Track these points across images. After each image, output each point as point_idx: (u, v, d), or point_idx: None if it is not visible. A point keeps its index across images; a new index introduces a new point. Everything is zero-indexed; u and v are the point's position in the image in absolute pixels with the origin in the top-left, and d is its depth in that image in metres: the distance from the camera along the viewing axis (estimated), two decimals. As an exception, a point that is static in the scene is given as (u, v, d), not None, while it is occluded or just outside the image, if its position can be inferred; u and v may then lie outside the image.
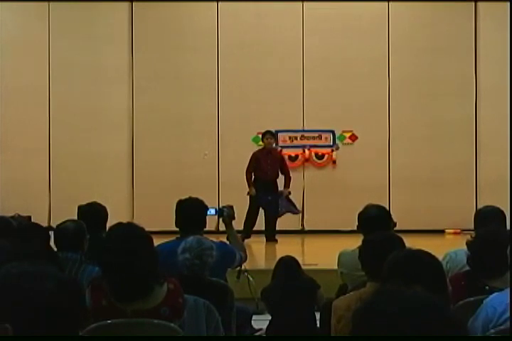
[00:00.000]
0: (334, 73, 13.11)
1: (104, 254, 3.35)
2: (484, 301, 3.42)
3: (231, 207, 5.89)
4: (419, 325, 1.67)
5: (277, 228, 12.77)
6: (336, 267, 5.48)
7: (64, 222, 5.30)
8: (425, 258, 3.19)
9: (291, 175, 11.73)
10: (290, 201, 11.55)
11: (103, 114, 13.00)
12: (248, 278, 6.79)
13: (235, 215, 5.90)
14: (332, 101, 13.05)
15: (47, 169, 13.11)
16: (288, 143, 13.25)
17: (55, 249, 5.06)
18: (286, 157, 12.37)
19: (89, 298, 3.30)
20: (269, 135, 11.69)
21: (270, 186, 11.42)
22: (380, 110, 13.15)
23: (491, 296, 3.43)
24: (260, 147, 12.26)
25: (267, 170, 11.44)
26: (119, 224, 3.54)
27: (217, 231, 6.80)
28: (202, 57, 13.12)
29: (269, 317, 6.14)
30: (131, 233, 3.36)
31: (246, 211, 11.33)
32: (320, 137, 13.25)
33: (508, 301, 3.25)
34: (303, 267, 6.38)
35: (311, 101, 13.14)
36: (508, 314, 3.24)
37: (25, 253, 3.61)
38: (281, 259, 6.28)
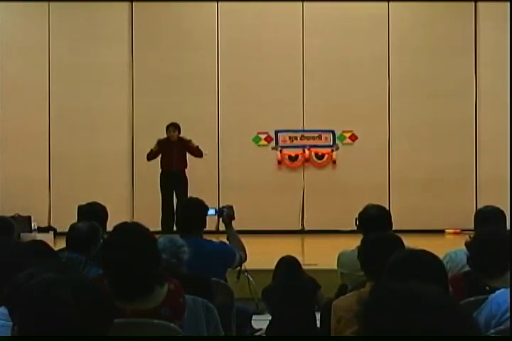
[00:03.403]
0: (334, 73, 13.11)
1: (106, 252, 3.35)
2: (489, 296, 3.42)
3: (231, 207, 5.90)
4: (431, 320, 1.66)
5: (277, 228, 12.80)
6: (335, 267, 5.48)
7: (78, 222, 5.33)
8: (425, 258, 3.19)
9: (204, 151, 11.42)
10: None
11: (103, 113, 13.00)
12: (248, 278, 6.79)
13: (235, 215, 5.90)
14: (332, 101, 13.05)
15: (47, 169, 13.11)
16: (288, 143, 13.25)
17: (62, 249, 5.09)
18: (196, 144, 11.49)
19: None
20: (172, 128, 11.34)
21: (178, 177, 11.25)
22: (380, 110, 13.15)
23: (497, 292, 3.43)
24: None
25: (173, 161, 11.25)
26: (125, 223, 3.54)
27: (217, 231, 6.80)
28: (202, 56, 13.12)
29: (269, 317, 6.14)
30: (135, 232, 3.36)
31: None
32: (320, 137, 13.25)
33: (512, 300, 3.25)
34: (303, 267, 6.38)
35: (311, 101, 13.14)
36: (510, 313, 3.25)
37: (25, 252, 3.60)
38: (282, 259, 6.28)
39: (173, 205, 11.03)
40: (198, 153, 11.41)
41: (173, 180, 11.28)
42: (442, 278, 3.15)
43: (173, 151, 11.24)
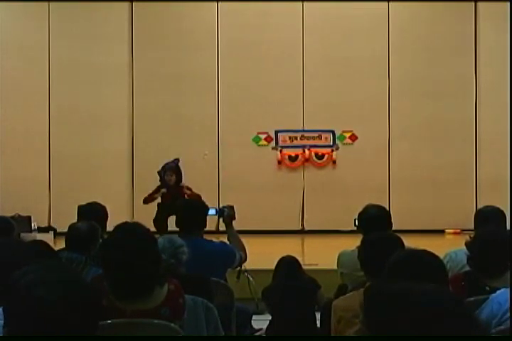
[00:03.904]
0: (334, 73, 13.11)
1: (106, 252, 3.34)
2: (490, 296, 3.42)
3: (231, 207, 5.90)
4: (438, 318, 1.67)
5: (277, 228, 12.80)
6: (335, 267, 5.48)
7: (77, 222, 5.32)
8: (425, 258, 3.18)
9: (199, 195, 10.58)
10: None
11: (103, 113, 13.00)
12: (248, 278, 6.79)
13: (236, 215, 5.90)
14: (332, 101, 13.05)
15: (47, 169, 13.11)
16: (288, 143, 13.25)
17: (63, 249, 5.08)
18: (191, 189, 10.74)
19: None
20: (170, 172, 10.56)
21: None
22: (380, 110, 13.15)
23: (498, 292, 3.43)
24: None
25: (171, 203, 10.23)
26: (125, 223, 3.53)
27: (217, 231, 6.80)
28: (202, 57, 13.12)
29: (269, 317, 6.14)
30: (136, 232, 3.36)
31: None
32: (320, 137, 13.25)
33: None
34: (303, 267, 6.38)
35: (311, 101, 13.14)
36: (510, 313, 3.24)
37: (26, 252, 3.60)
38: (282, 259, 6.28)
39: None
40: (196, 197, 10.82)
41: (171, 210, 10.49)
42: (443, 277, 3.15)
43: (170, 195, 10.51)
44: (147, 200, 10.91)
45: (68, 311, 1.86)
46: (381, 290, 1.76)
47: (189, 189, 10.76)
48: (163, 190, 10.70)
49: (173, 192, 10.72)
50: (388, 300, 1.71)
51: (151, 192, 10.83)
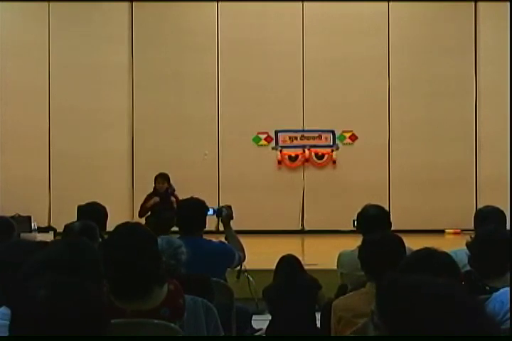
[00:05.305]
0: (334, 73, 13.11)
1: (106, 252, 3.34)
2: (493, 294, 3.41)
3: (229, 207, 5.89)
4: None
5: (277, 228, 12.80)
6: (335, 267, 5.48)
7: (74, 222, 5.31)
8: (439, 257, 3.18)
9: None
10: None
11: (103, 113, 13.00)
12: (248, 278, 6.79)
13: (233, 215, 5.89)
14: (332, 101, 13.05)
15: (47, 169, 13.11)
16: (288, 143, 13.25)
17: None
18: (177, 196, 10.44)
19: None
20: (160, 179, 10.62)
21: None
22: (380, 110, 13.15)
23: (501, 291, 3.42)
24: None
25: (161, 214, 10.21)
26: (126, 223, 3.54)
27: (217, 231, 6.81)
28: (202, 57, 13.13)
29: (269, 317, 6.14)
30: (136, 232, 3.36)
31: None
32: (320, 137, 13.25)
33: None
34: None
35: (311, 101, 13.14)
36: (512, 312, 3.24)
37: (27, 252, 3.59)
38: (283, 258, 6.28)
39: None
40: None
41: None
42: (456, 276, 3.14)
43: (160, 202, 10.48)
44: (142, 212, 10.75)
45: (77, 322, 1.85)
46: (395, 282, 1.77)
47: (176, 197, 10.45)
48: (156, 199, 10.62)
49: (164, 201, 10.43)
50: (401, 291, 1.72)
51: (142, 202, 10.77)
